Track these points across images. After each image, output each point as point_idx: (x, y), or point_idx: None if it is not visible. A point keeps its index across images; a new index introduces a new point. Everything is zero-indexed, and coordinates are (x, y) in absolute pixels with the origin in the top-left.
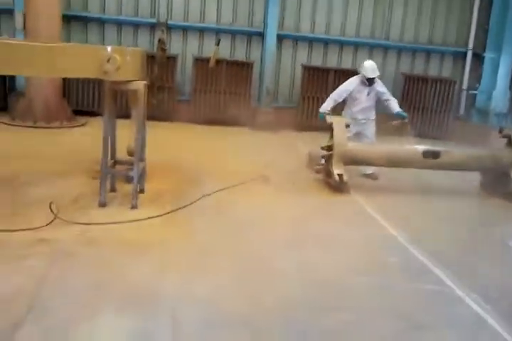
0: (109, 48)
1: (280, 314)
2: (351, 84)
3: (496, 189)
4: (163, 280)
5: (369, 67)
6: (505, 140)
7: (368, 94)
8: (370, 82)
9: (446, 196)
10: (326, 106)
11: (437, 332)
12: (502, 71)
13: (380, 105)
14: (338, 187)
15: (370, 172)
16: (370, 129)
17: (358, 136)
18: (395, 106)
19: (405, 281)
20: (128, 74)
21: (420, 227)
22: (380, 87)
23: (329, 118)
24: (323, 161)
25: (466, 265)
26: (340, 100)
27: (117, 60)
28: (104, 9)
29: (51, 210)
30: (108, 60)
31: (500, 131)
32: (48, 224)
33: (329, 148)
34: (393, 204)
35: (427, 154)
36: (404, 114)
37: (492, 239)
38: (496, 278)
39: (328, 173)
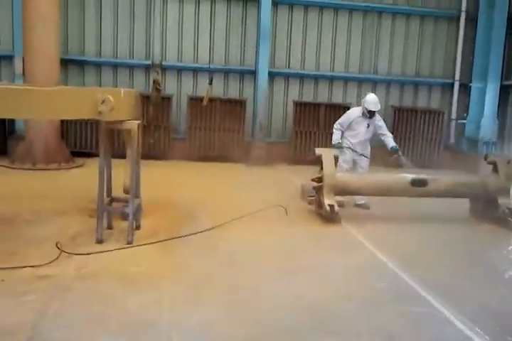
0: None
1: (268, 339)
2: (353, 114)
3: (485, 214)
4: (156, 311)
5: (371, 100)
6: (491, 166)
7: (368, 126)
8: (371, 114)
9: (436, 223)
10: (337, 137)
11: None
12: (488, 100)
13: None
14: (329, 217)
15: (362, 202)
16: (365, 161)
17: (353, 165)
18: (390, 141)
19: (393, 304)
20: (122, 115)
21: (409, 254)
22: (378, 120)
23: (318, 151)
24: (314, 193)
25: (454, 289)
26: (344, 129)
27: (111, 100)
28: (100, 53)
29: (57, 247)
30: (102, 102)
31: (486, 158)
32: (54, 260)
33: (319, 179)
34: (383, 232)
35: (414, 182)
36: (397, 148)
37: (480, 264)
38: (483, 301)
39: (320, 204)
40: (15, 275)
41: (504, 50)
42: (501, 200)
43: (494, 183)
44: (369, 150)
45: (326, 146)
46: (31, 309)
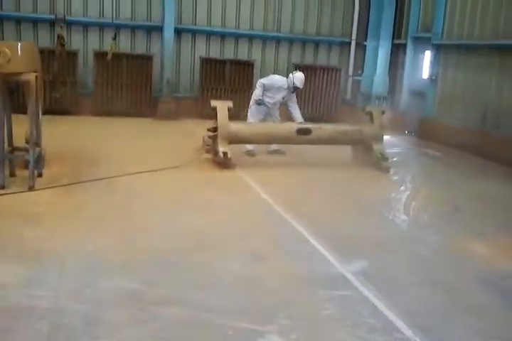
0: None
1: (150, 257)
2: (278, 82)
3: (363, 160)
4: (54, 241)
5: (301, 78)
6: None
7: (283, 98)
8: (294, 90)
9: (320, 168)
10: (259, 94)
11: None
12: (381, 57)
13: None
14: (223, 163)
15: (277, 148)
16: (276, 112)
17: (266, 116)
18: (298, 116)
19: (263, 228)
20: (19, 67)
21: (289, 193)
22: (294, 96)
23: (213, 103)
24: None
25: (315, 216)
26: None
27: (7, 53)
28: (1, 6)
29: None
30: None
31: (363, 109)
32: None
33: (214, 129)
34: (272, 176)
35: (300, 131)
36: (303, 122)
37: (342, 198)
38: (336, 226)
39: (215, 152)
40: None
41: (396, 12)
42: (375, 146)
43: (370, 131)
44: (278, 111)
45: (233, 102)
46: None
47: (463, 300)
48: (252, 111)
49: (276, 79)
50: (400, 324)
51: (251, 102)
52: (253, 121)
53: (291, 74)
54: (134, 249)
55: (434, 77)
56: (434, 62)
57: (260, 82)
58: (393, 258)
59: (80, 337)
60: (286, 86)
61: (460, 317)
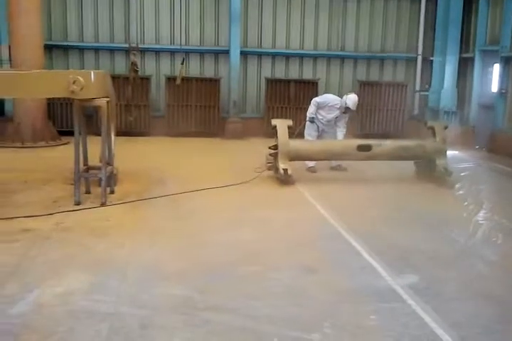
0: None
1: (205, 267)
2: (332, 101)
3: (426, 175)
4: (118, 252)
5: (354, 100)
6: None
7: (336, 117)
8: (346, 111)
9: (383, 183)
10: (313, 111)
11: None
12: (448, 72)
13: None
14: (284, 180)
15: (338, 164)
16: (332, 129)
17: (322, 133)
18: (340, 135)
19: (318, 243)
20: (91, 93)
21: (347, 208)
22: (345, 116)
23: (273, 121)
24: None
25: (371, 232)
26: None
27: (81, 81)
28: (82, 37)
29: None
30: (73, 82)
31: (425, 124)
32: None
33: (275, 147)
34: (331, 191)
35: (360, 147)
36: None
37: (403, 214)
38: (392, 240)
39: (276, 169)
40: (1, 228)
41: (462, 26)
42: (438, 161)
43: (432, 146)
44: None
45: (297, 120)
46: (15, 253)
47: None
48: (307, 130)
49: (330, 98)
50: (445, 337)
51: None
52: (310, 139)
53: (345, 95)
54: (191, 260)
55: (503, 90)
56: (503, 75)
57: (315, 101)
58: (446, 272)
59: (135, 339)
60: (338, 105)
61: (509, 332)
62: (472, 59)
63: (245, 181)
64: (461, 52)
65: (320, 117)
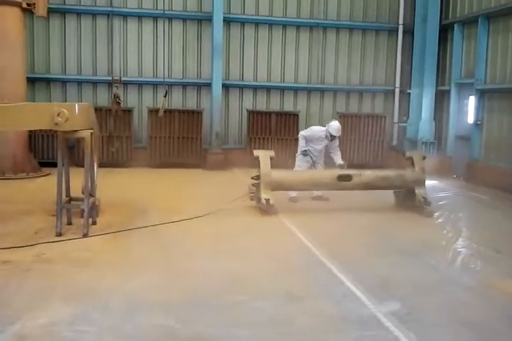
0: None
1: (187, 297)
2: (318, 133)
3: (406, 204)
4: (100, 282)
5: (336, 127)
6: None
7: (326, 146)
8: (332, 138)
9: (362, 212)
10: (303, 145)
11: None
12: (425, 104)
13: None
14: (266, 209)
15: (319, 194)
16: (321, 159)
17: (316, 164)
18: (338, 158)
19: (299, 272)
20: (76, 125)
21: (329, 236)
22: (334, 142)
23: (255, 152)
24: (255, 189)
25: (353, 259)
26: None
27: (65, 113)
28: (65, 70)
29: None
30: (58, 114)
31: (404, 154)
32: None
33: (257, 177)
34: (312, 221)
35: (340, 177)
36: (343, 165)
37: (383, 242)
38: (372, 268)
39: (258, 199)
40: None
41: (438, 59)
42: (417, 190)
43: (411, 176)
44: (323, 159)
45: (278, 151)
46: None
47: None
48: (298, 162)
49: (316, 130)
50: None
51: (297, 153)
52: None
53: (327, 124)
54: (174, 289)
55: (479, 122)
56: (479, 107)
57: (302, 135)
58: (426, 299)
59: None
60: (324, 135)
61: None
62: (448, 91)
63: (226, 211)
64: (437, 85)
65: (312, 149)
